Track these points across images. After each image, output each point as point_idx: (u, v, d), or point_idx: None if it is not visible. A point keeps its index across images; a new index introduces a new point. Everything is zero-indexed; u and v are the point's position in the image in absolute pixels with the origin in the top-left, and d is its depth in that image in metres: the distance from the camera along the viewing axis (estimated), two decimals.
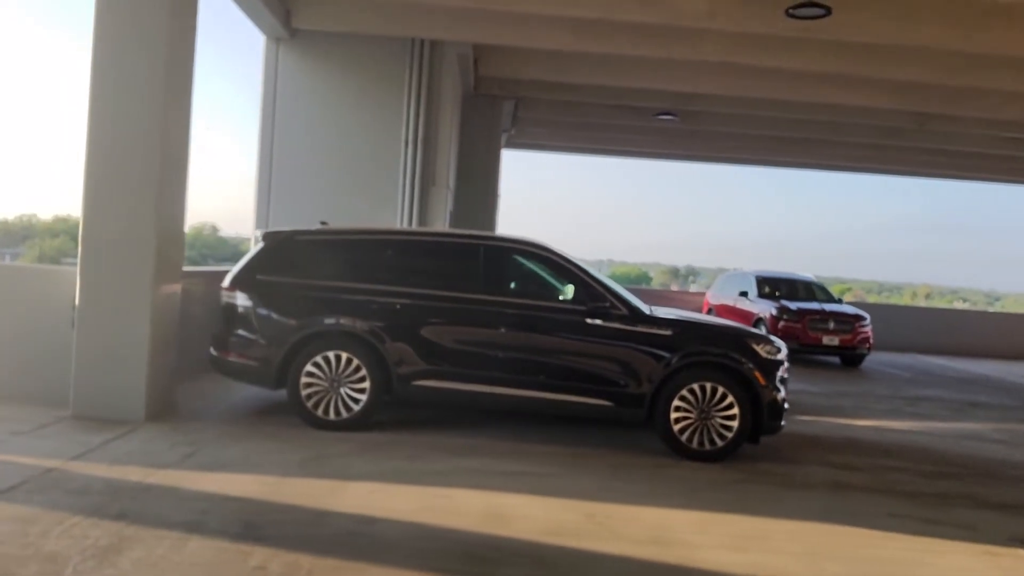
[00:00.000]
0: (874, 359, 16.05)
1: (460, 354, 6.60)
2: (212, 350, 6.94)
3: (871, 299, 26.54)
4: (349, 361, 6.50)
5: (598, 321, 6.58)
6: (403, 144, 10.58)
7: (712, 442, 6.46)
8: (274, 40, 10.70)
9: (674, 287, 42.23)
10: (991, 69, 10.41)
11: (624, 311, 6.62)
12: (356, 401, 6.49)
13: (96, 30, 6.12)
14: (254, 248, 7.02)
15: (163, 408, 6.55)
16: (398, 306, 6.61)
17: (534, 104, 15.33)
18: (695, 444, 6.46)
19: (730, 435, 6.45)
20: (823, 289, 16.91)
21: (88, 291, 6.19)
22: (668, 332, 6.63)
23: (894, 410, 10.20)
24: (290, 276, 6.74)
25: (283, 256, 6.86)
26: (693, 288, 38.63)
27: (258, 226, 10.77)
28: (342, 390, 6.49)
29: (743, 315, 15.63)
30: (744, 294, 16.44)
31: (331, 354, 6.51)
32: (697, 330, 6.94)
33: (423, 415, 7.21)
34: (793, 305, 15.19)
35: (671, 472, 6.10)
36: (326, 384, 6.49)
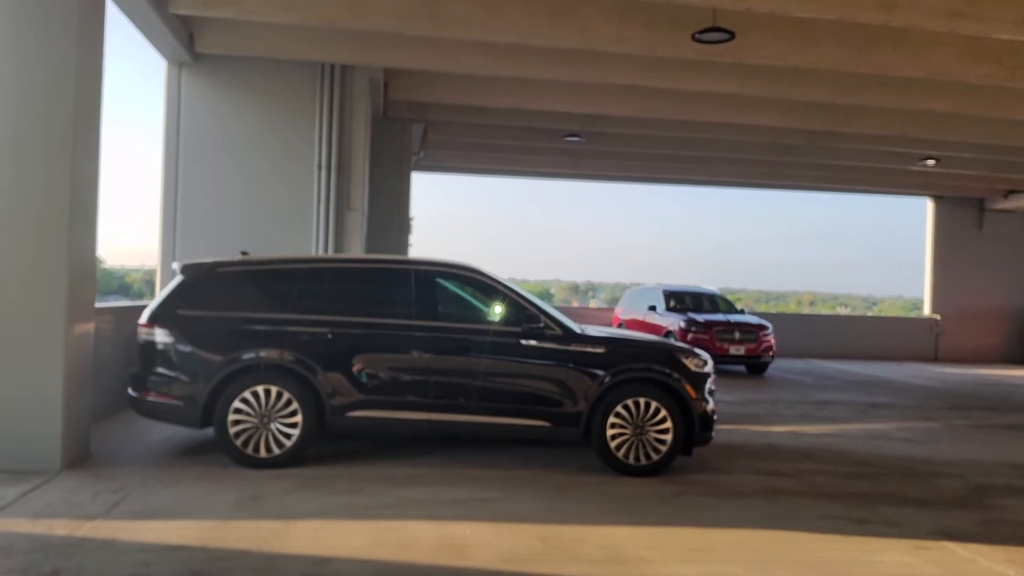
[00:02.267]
0: (775, 366, 16.73)
1: (396, 382, 6.50)
2: (131, 390, 6.60)
3: (760, 308, 27.64)
4: (279, 395, 6.29)
5: (533, 342, 6.61)
6: (316, 169, 10.37)
7: (648, 456, 6.56)
8: (176, 65, 10.33)
9: (575, 303, 42.69)
10: (877, 88, 11.07)
11: (557, 331, 6.67)
12: (288, 436, 6.29)
13: None
14: (173, 281, 6.72)
15: (80, 455, 6.18)
16: (330, 335, 6.46)
17: (443, 127, 15.34)
18: (632, 459, 6.54)
19: (665, 448, 6.57)
20: (726, 300, 17.51)
21: None
22: (601, 350, 6.72)
23: (804, 415, 10.63)
24: (214, 309, 6.50)
25: (205, 289, 6.61)
26: (593, 303, 39.17)
27: (163, 259, 10.33)
28: (273, 426, 6.28)
29: (653, 328, 15.98)
30: (653, 308, 16.83)
31: (260, 389, 6.29)
32: (628, 347, 7.06)
33: (354, 446, 7.05)
34: (700, 317, 15.66)
35: (612, 488, 6.16)
36: (256, 420, 6.26)
